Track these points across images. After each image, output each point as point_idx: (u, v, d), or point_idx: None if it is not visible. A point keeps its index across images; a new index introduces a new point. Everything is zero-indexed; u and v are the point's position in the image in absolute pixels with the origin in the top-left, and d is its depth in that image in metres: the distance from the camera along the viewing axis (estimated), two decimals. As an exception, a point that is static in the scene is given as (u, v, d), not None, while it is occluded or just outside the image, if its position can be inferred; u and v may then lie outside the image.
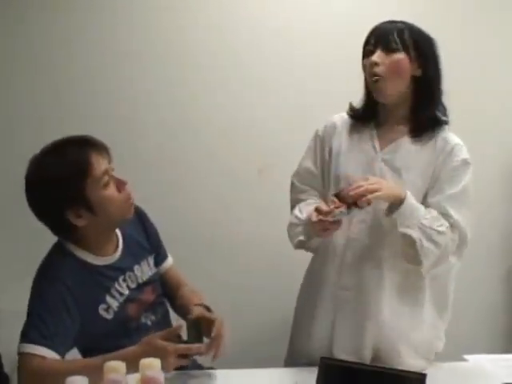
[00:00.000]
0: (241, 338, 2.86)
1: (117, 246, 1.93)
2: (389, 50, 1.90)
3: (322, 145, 2.10)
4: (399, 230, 1.85)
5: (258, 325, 2.98)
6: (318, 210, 1.85)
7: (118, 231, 1.95)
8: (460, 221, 1.90)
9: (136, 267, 1.95)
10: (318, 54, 3.01)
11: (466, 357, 2.11)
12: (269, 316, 2.96)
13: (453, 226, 1.89)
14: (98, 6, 2.92)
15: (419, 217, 1.84)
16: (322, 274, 2.04)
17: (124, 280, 1.90)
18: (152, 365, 1.45)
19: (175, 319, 2.10)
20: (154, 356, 1.50)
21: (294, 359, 2.09)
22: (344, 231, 1.95)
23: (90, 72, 2.92)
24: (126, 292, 1.89)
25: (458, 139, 1.99)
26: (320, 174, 2.10)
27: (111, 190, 1.81)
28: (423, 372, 1.61)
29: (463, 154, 1.96)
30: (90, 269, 1.84)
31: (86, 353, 1.88)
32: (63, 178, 1.74)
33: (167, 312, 2.08)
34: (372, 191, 1.78)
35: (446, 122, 1.99)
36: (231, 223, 3.02)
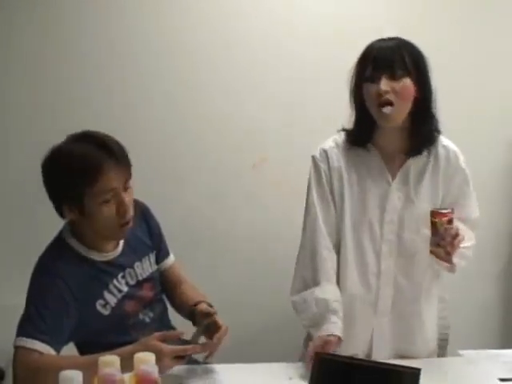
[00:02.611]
0: (234, 333, 2.88)
1: (118, 243, 1.93)
2: (396, 77, 1.90)
3: (328, 178, 2.06)
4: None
5: (253, 319, 2.98)
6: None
7: None
8: (475, 216, 2.09)
9: (137, 264, 1.96)
10: (314, 49, 3.02)
11: (460, 352, 2.12)
12: (263, 310, 2.96)
13: (472, 223, 2.06)
14: (94, 5, 2.92)
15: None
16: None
17: (123, 277, 1.91)
18: (146, 359, 1.46)
19: (173, 317, 2.12)
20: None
21: None
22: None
23: (85, 71, 2.92)
24: (125, 289, 1.90)
25: (451, 143, 2.09)
26: (333, 208, 2.06)
27: (108, 210, 1.77)
28: (417, 367, 1.62)
29: (460, 156, 2.08)
30: (89, 264, 1.85)
31: (82, 347, 1.89)
32: (68, 175, 1.74)
33: (165, 309, 2.08)
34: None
35: (439, 133, 2.05)
36: (225, 217, 3.02)
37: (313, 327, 1.96)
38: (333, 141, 2.10)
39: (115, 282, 1.88)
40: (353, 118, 2.05)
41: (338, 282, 2.04)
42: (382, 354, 2.03)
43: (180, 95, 2.98)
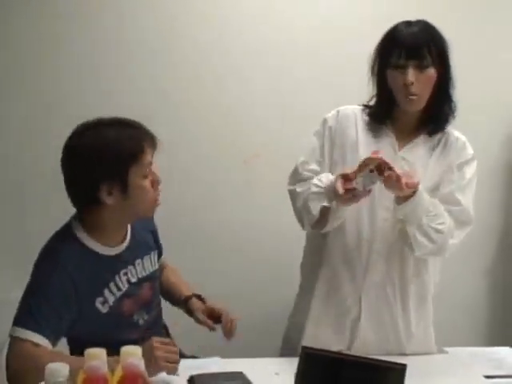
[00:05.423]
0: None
1: (124, 238, 1.93)
2: (421, 67, 1.94)
3: (333, 135, 2.10)
4: (398, 217, 1.96)
5: (245, 312, 2.97)
6: (343, 176, 1.87)
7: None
8: (467, 205, 2.04)
9: (137, 261, 1.95)
10: (308, 45, 3.03)
11: (446, 349, 2.14)
12: (256, 304, 2.95)
13: (461, 210, 2.03)
14: (90, 3, 2.94)
15: (421, 213, 1.92)
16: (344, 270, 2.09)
17: (125, 274, 1.89)
18: (133, 352, 1.46)
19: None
20: (146, 357, 1.51)
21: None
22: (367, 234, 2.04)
23: (83, 71, 2.94)
24: (126, 286, 1.88)
25: (463, 136, 2.13)
26: (328, 165, 2.10)
27: (147, 183, 1.83)
28: (403, 363, 1.63)
29: (470, 149, 2.11)
30: (94, 258, 1.83)
31: (71, 343, 1.87)
32: (115, 152, 1.76)
33: (160, 314, 2.08)
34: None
35: (454, 117, 2.08)
36: (216, 213, 3.03)
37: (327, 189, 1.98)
38: (351, 108, 2.14)
39: (117, 278, 1.87)
40: (374, 95, 2.08)
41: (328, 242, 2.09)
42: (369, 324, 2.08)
43: (172, 89, 2.98)
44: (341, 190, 1.84)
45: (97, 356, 1.41)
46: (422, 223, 1.93)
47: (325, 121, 2.13)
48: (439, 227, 1.96)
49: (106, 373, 1.39)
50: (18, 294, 2.40)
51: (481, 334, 3.27)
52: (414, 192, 1.89)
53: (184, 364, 1.87)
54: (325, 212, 2.00)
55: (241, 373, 1.79)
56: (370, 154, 1.92)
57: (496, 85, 3.19)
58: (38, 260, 1.81)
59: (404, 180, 1.84)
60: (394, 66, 1.95)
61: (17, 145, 2.93)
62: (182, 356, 1.99)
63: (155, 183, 1.86)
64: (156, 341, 1.69)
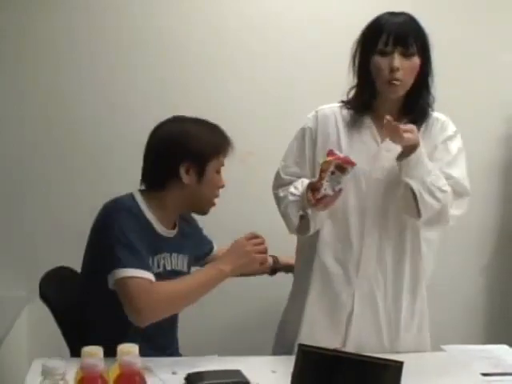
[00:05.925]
0: (221, 325, 2.87)
1: (173, 228, 2.04)
2: (407, 54, 1.96)
3: (313, 136, 2.11)
4: (402, 179, 1.95)
5: (242, 310, 3.00)
6: (311, 186, 1.91)
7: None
8: (459, 177, 2.05)
9: (174, 255, 2.02)
10: (304, 45, 3.04)
11: (443, 347, 2.14)
12: (254, 303, 2.98)
13: (454, 182, 2.02)
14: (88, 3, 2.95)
15: (424, 172, 1.93)
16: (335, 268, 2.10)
17: (164, 258, 1.97)
18: (130, 350, 1.46)
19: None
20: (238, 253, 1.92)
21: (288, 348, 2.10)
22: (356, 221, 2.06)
23: (79, 72, 2.95)
24: (161, 269, 1.95)
25: (444, 115, 2.13)
26: (309, 167, 2.11)
27: (217, 180, 2.02)
28: (400, 360, 1.63)
29: (451, 126, 2.12)
30: (149, 227, 1.93)
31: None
32: (204, 140, 1.97)
33: (176, 318, 2.11)
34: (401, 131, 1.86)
35: (432, 109, 2.09)
36: (213, 212, 3.00)
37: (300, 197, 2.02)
38: (329, 107, 2.15)
39: (159, 256, 1.95)
40: (353, 86, 2.09)
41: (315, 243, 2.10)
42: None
43: (169, 88, 2.99)
44: (313, 202, 1.90)
45: (94, 354, 1.42)
46: (425, 181, 1.93)
47: (304, 124, 2.14)
48: (443, 187, 1.97)
49: (104, 371, 1.40)
50: (18, 292, 2.43)
51: (478, 332, 3.26)
52: (414, 148, 1.91)
53: (181, 362, 1.90)
54: (305, 217, 2.03)
55: (238, 371, 1.79)
56: (352, 151, 1.98)
57: (496, 85, 3.19)
58: (111, 214, 1.90)
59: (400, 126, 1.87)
60: (380, 53, 1.97)
61: (17, 145, 2.94)
62: (179, 355, 2.01)
63: (220, 184, 2.03)
64: (244, 238, 1.96)
